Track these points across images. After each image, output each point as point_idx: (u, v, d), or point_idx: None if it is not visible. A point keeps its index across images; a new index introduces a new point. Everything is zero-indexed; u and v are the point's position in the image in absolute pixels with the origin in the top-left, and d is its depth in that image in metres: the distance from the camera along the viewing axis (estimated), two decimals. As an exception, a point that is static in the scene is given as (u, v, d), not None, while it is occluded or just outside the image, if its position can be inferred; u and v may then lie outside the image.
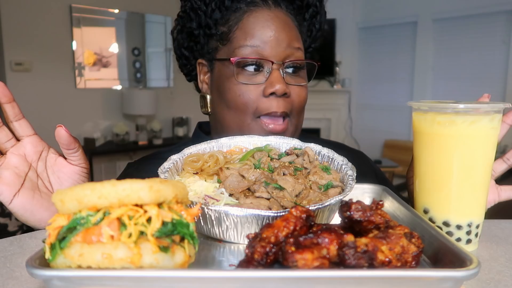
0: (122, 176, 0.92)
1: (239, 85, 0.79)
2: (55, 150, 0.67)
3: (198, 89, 0.95)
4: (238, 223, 0.52)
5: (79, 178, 0.67)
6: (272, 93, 0.77)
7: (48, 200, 0.63)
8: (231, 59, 0.78)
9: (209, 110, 0.88)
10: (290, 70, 0.81)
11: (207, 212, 0.52)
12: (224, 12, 0.82)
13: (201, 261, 0.49)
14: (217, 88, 0.84)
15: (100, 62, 4.60)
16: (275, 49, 0.78)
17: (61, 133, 0.62)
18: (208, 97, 0.88)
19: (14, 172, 0.61)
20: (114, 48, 4.73)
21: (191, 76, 0.94)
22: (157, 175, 0.59)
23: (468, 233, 0.56)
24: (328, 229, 0.43)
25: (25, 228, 0.73)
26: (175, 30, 0.90)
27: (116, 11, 4.68)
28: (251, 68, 0.79)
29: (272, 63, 0.78)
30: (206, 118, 1.03)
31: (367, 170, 0.93)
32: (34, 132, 0.64)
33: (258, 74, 0.79)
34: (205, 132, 0.97)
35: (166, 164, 0.64)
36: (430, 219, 0.58)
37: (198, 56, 0.89)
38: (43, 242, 0.40)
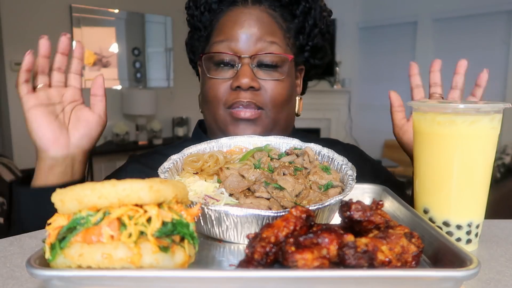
0: (122, 170, 0.94)
1: (211, 80, 0.85)
2: (85, 106, 0.78)
3: None
4: (238, 223, 0.52)
5: (94, 126, 0.76)
6: (238, 87, 0.80)
7: (58, 125, 0.73)
8: (200, 54, 0.87)
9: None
10: (264, 65, 0.83)
11: (207, 212, 0.52)
12: (211, 14, 0.88)
13: (201, 261, 0.49)
14: (201, 85, 0.91)
15: (100, 62, 4.60)
16: (244, 44, 0.81)
17: (100, 79, 0.78)
18: (200, 95, 0.92)
19: (47, 95, 0.73)
20: (114, 48, 4.73)
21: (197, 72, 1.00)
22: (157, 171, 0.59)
23: (468, 233, 0.56)
24: (328, 229, 0.43)
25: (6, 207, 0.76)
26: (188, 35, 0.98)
27: (116, 11, 4.67)
28: (221, 64, 0.83)
29: (239, 57, 0.81)
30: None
31: (363, 165, 0.93)
32: (80, 88, 0.78)
33: (230, 69, 0.83)
34: (203, 130, 0.99)
35: (166, 164, 0.64)
36: (430, 219, 0.58)
37: (198, 58, 0.94)
38: (43, 242, 0.40)
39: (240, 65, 0.81)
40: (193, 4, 0.90)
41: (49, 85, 0.75)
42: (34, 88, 0.73)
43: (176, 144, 0.94)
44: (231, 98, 0.81)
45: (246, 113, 0.81)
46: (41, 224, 0.47)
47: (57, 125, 0.73)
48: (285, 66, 0.84)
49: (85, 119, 0.76)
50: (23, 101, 0.71)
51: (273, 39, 0.82)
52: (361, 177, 0.67)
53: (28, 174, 0.77)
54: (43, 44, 0.73)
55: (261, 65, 0.82)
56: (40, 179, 0.72)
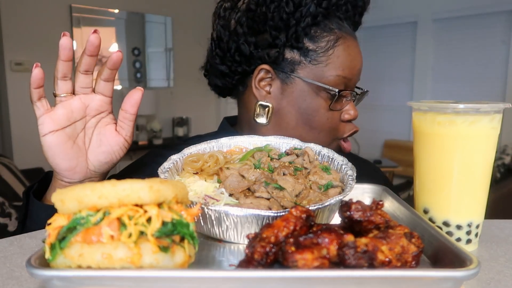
0: (143, 160, 0.92)
1: (328, 111, 0.82)
2: (113, 116, 0.70)
3: (223, 90, 0.91)
4: (238, 223, 0.52)
5: (117, 150, 0.69)
6: (350, 120, 0.85)
7: (75, 153, 0.65)
8: (337, 90, 0.80)
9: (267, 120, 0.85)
10: None
11: (207, 212, 0.52)
12: (313, 27, 0.81)
13: (201, 261, 0.49)
14: (293, 103, 0.82)
15: (100, 62, 4.60)
16: (357, 80, 0.85)
17: (138, 94, 0.67)
18: (270, 106, 0.84)
19: (67, 114, 0.64)
20: (114, 48, 4.73)
21: (232, 78, 0.88)
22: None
23: (468, 233, 0.56)
24: (328, 229, 0.43)
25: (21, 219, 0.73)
26: (239, 21, 0.82)
27: (116, 11, 4.67)
28: (341, 98, 0.83)
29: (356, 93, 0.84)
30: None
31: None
32: (111, 96, 0.68)
33: (339, 101, 0.83)
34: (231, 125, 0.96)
35: (166, 164, 0.64)
36: (430, 219, 0.58)
37: (258, 59, 0.83)
38: (43, 242, 0.40)
39: (349, 99, 0.84)
40: (287, 6, 0.79)
41: (73, 91, 0.65)
42: (55, 96, 0.64)
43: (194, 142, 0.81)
44: (347, 130, 0.85)
45: (349, 145, 0.87)
46: None
47: (74, 154, 0.65)
48: None
49: (108, 143, 0.68)
50: (38, 123, 0.63)
51: None
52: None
53: (47, 176, 0.73)
54: (65, 44, 0.60)
55: None
56: None
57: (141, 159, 0.95)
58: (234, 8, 0.83)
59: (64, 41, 0.60)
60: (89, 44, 0.61)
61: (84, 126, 0.67)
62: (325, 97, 0.81)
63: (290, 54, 0.81)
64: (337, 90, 0.80)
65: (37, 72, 0.60)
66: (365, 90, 0.87)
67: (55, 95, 0.64)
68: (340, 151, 0.86)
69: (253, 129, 0.87)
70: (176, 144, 0.93)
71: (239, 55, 0.83)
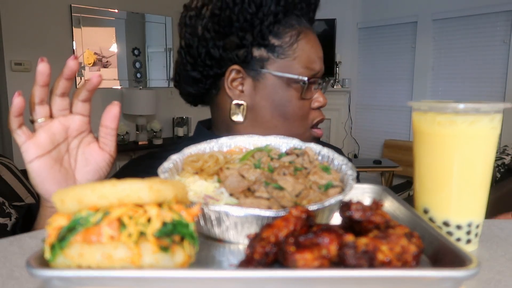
0: (121, 172, 0.93)
1: (300, 100, 0.87)
2: (93, 135, 0.69)
3: (196, 97, 0.95)
4: (238, 223, 0.52)
5: (104, 166, 0.69)
6: (320, 107, 0.92)
7: (63, 176, 0.65)
8: (306, 79, 0.85)
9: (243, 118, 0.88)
10: None
11: (207, 212, 0.52)
12: (276, 25, 0.86)
13: (201, 261, 0.49)
14: (266, 98, 0.87)
15: (100, 62, 4.60)
16: (322, 69, 0.89)
17: (116, 109, 0.66)
18: (245, 104, 0.87)
19: (50, 137, 0.63)
20: (114, 48, 4.73)
21: (205, 83, 0.90)
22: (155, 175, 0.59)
23: (468, 233, 0.56)
24: (328, 229, 0.43)
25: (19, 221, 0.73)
26: (206, 27, 0.85)
27: (116, 11, 4.68)
28: (311, 85, 0.88)
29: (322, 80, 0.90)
30: (205, 118, 1.03)
31: None
32: (89, 116, 0.67)
33: (311, 89, 0.89)
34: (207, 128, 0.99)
35: (166, 164, 0.64)
36: (430, 219, 0.58)
37: (228, 61, 0.86)
38: (43, 242, 0.40)
39: (317, 86, 0.89)
40: (249, 7, 0.82)
41: (51, 115, 0.64)
42: (32, 122, 0.63)
43: (171, 149, 0.85)
44: (316, 117, 0.91)
45: (320, 131, 0.93)
46: None
47: (62, 177, 0.65)
48: None
49: (94, 161, 0.68)
50: (22, 151, 0.62)
51: None
52: None
53: (30, 210, 0.73)
54: (43, 70, 0.60)
55: None
56: (43, 225, 0.66)
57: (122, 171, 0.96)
58: (199, 15, 0.86)
59: (42, 67, 0.60)
60: (67, 68, 0.61)
61: (67, 147, 0.66)
62: (295, 87, 0.86)
63: (258, 52, 0.85)
64: (306, 78, 0.85)
65: (19, 101, 0.59)
66: (328, 78, 0.94)
67: (32, 121, 0.63)
68: (313, 139, 0.92)
69: (230, 128, 0.91)
70: (154, 152, 0.98)
71: (210, 59, 0.86)
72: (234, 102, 0.87)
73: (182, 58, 0.90)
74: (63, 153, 0.66)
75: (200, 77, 0.89)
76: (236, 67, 0.86)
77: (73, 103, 0.65)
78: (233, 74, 0.86)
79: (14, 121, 0.60)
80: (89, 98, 0.65)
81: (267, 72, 0.85)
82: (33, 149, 0.62)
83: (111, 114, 0.66)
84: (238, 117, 0.88)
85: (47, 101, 0.63)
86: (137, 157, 0.99)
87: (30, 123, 0.63)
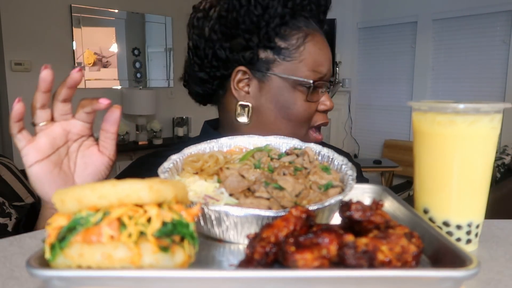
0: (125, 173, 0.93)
1: (306, 102, 0.87)
2: (93, 138, 0.69)
3: (204, 97, 0.94)
4: (238, 223, 0.52)
5: (103, 170, 0.68)
6: (326, 110, 0.91)
7: (63, 179, 0.65)
8: (312, 82, 0.85)
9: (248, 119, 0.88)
10: None
11: (207, 212, 0.52)
12: (283, 27, 0.85)
13: (201, 261, 0.49)
14: (271, 100, 0.87)
15: (100, 62, 4.60)
16: (330, 72, 0.89)
17: (117, 113, 0.65)
18: (250, 105, 0.88)
19: (50, 142, 0.63)
20: (114, 48, 4.73)
21: (212, 83, 0.90)
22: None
23: (468, 233, 0.56)
24: (328, 229, 0.43)
25: (22, 223, 0.73)
26: (213, 28, 0.85)
27: (116, 11, 4.68)
28: (317, 88, 0.88)
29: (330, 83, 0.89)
30: (205, 118, 1.03)
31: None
32: (92, 122, 0.67)
33: (315, 92, 0.88)
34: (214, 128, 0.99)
35: (166, 164, 0.64)
36: (430, 219, 0.58)
37: (234, 62, 0.86)
38: (43, 242, 0.40)
39: (324, 90, 0.89)
40: (255, 9, 0.82)
41: (52, 118, 0.64)
42: (34, 125, 0.63)
43: (173, 148, 0.87)
44: (319, 120, 0.90)
45: (319, 136, 0.92)
46: None
47: (62, 181, 0.65)
48: None
49: (93, 164, 0.67)
50: (22, 155, 0.62)
51: None
52: None
53: (33, 207, 0.73)
54: (46, 77, 0.60)
55: None
56: (44, 226, 0.68)
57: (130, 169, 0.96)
58: (207, 17, 0.87)
59: (45, 74, 0.59)
60: (70, 79, 0.61)
61: (67, 151, 0.66)
62: (301, 90, 0.86)
63: (264, 54, 0.86)
64: (311, 81, 0.85)
65: (19, 107, 0.59)
66: (337, 81, 0.93)
67: (34, 125, 0.63)
68: (311, 140, 0.90)
69: (236, 129, 0.91)
70: (162, 150, 0.97)
71: (216, 60, 0.86)
72: (240, 103, 0.88)
73: (190, 59, 0.91)
74: (63, 157, 0.66)
75: (207, 78, 0.89)
76: (242, 68, 0.86)
77: (77, 111, 0.65)
78: (239, 75, 0.87)
79: (14, 126, 0.61)
80: (70, 97, 0.64)
81: (272, 74, 0.86)
82: (33, 154, 0.62)
83: (112, 118, 0.65)
84: (243, 118, 0.88)
85: (49, 105, 0.63)
86: (143, 155, 0.99)
87: (32, 126, 0.64)
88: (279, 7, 0.82)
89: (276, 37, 0.84)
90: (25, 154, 0.62)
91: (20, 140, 0.61)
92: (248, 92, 0.87)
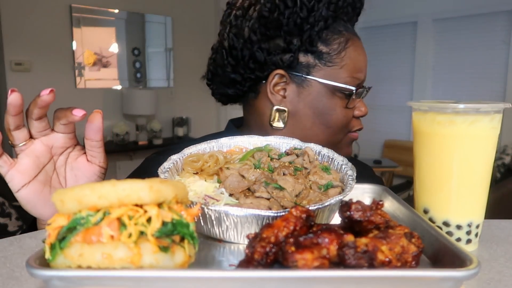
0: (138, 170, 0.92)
1: (344, 109, 0.85)
2: (80, 147, 0.66)
3: (230, 98, 0.91)
4: (238, 223, 0.52)
5: (95, 179, 0.66)
6: (361, 116, 0.90)
7: None
8: (354, 88, 0.83)
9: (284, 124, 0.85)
10: None
11: (207, 212, 0.52)
12: (325, 31, 0.83)
13: (201, 261, 0.49)
14: (310, 105, 0.84)
15: (100, 62, 4.60)
16: (365, 76, 0.88)
17: (99, 119, 0.61)
18: (287, 110, 0.84)
19: (34, 161, 0.60)
20: (114, 48, 4.74)
21: (244, 85, 0.87)
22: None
23: (468, 233, 0.56)
24: (328, 229, 0.43)
25: (25, 228, 0.73)
26: (253, 28, 0.82)
27: (116, 11, 4.68)
28: (352, 96, 0.86)
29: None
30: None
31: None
32: (74, 132, 0.63)
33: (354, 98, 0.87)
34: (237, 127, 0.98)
35: (166, 164, 0.64)
36: (430, 219, 0.58)
37: (271, 65, 0.83)
38: (43, 242, 0.40)
39: (360, 97, 0.87)
40: (301, 11, 0.79)
41: (31, 136, 0.60)
42: (13, 146, 0.59)
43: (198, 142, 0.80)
44: (356, 125, 0.90)
45: (356, 134, 0.91)
46: None
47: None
48: None
49: (84, 175, 0.64)
50: (7, 180, 0.59)
51: None
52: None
53: None
54: (14, 102, 0.55)
55: None
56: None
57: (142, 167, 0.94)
58: (246, 16, 0.83)
59: (14, 97, 0.55)
60: (40, 100, 0.57)
61: (54, 167, 0.63)
62: (340, 96, 0.84)
63: (304, 58, 0.83)
64: (354, 88, 0.83)
65: (15, 97, 0.55)
66: (369, 86, 0.90)
67: (13, 146, 0.60)
68: (349, 144, 0.92)
69: (267, 132, 0.87)
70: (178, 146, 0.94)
71: (254, 62, 0.83)
72: (276, 107, 0.84)
73: (223, 59, 0.86)
74: (51, 174, 0.63)
75: (240, 80, 0.86)
76: (280, 71, 0.83)
77: (54, 124, 0.61)
78: (276, 79, 0.83)
79: (11, 121, 0.57)
80: (43, 115, 0.59)
81: (312, 79, 0.83)
82: (18, 178, 0.59)
83: (94, 125, 0.61)
84: (279, 123, 0.85)
85: (24, 124, 0.59)
86: (155, 152, 0.97)
87: (11, 148, 0.60)
88: (323, 9, 0.80)
89: (318, 41, 0.82)
90: (10, 180, 0.59)
91: (2, 165, 0.58)
92: (284, 97, 0.84)
